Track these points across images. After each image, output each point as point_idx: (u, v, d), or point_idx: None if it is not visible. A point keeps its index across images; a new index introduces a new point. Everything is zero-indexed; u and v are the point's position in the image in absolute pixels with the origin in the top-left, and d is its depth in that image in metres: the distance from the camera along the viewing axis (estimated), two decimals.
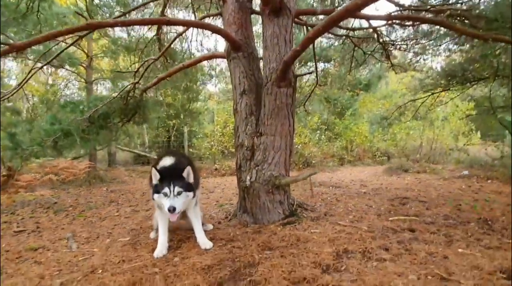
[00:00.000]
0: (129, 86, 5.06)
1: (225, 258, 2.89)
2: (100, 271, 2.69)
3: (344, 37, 6.12)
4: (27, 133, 5.10)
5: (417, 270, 2.50)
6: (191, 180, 2.82)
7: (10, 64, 15.27)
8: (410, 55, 7.70)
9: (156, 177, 2.72)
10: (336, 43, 8.36)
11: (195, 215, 3.18)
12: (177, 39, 6.92)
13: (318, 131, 13.53)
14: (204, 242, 3.11)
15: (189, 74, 7.09)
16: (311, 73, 5.34)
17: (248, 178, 3.81)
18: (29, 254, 3.21)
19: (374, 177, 9.23)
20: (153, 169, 2.70)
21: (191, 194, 2.82)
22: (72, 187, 8.27)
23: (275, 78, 3.63)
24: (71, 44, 4.09)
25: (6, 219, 4.86)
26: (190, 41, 6.22)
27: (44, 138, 5.12)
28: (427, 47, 7.42)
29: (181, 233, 3.64)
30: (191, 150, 12.97)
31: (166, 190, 2.66)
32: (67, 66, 8.93)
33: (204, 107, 13.86)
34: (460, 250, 2.95)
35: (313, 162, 12.15)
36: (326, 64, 11.69)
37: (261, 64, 4.21)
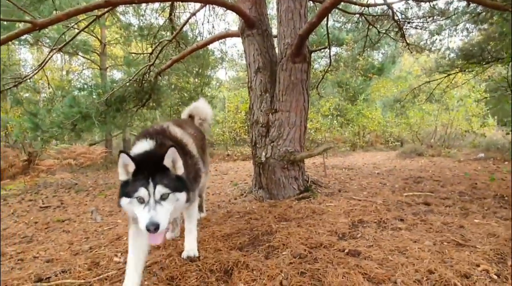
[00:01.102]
0: (144, 68, 5.13)
1: (243, 228, 2.99)
2: (125, 238, 2.82)
3: (358, 15, 6.02)
4: (46, 116, 5.28)
5: (433, 237, 2.54)
6: (181, 170, 1.71)
7: (26, 55, 15.62)
8: (425, 35, 7.53)
9: (127, 167, 1.63)
10: (349, 26, 8.22)
11: (190, 214, 2.33)
12: (189, 25, 6.95)
13: (330, 117, 13.43)
14: (192, 248, 2.28)
15: (201, 57, 7.13)
16: (325, 48, 5.30)
17: (264, 154, 3.87)
18: (56, 225, 3.39)
19: (387, 161, 9.18)
20: (121, 154, 1.61)
21: (183, 195, 1.69)
22: (90, 170, 8.54)
23: (290, 54, 3.64)
24: (91, 23, 4.17)
25: (31, 198, 5.10)
26: (202, 24, 6.23)
27: (63, 121, 5.29)
28: (444, 26, 7.23)
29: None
30: None
31: (141, 191, 1.55)
32: (81, 54, 9.08)
33: (217, 91, 13.92)
34: (476, 220, 2.96)
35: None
36: (338, 48, 11.52)
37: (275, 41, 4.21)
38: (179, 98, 9.05)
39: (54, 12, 6.04)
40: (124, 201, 1.62)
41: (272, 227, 2.96)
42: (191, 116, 3.33)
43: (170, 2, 5.60)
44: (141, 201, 1.56)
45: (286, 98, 3.77)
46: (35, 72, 4.00)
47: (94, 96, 5.50)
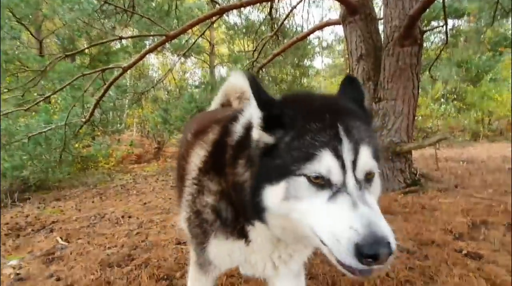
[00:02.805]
0: (248, 64, 5.57)
1: None
2: None
3: None
4: (173, 111, 6.33)
5: None
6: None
7: (153, 61, 18.76)
8: None
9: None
10: None
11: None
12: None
13: (443, 100, 11.65)
14: None
15: (301, 49, 7.24)
16: (442, 26, 4.66)
17: None
18: None
19: None
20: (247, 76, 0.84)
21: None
22: None
23: (397, 37, 3.39)
24: (207, 28, 4.79)
25: (163, 178, 6.27)
26: (302, 16, 6.28)
27: (185, 115, 6.26)
28: None
29: None
30: None
31: (327, 160, 0.75)
32: (194, 55, 10.44)
33: (314, 81, 13.78)
34: None
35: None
36: (456, 21, 9.87)
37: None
38: (277, 90, 9.44)
39: (175, 21, 7.10)
40: (268, 193, 0.80)
41: None
42: (224, 105, 1.91)
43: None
44: (323, 183, 0.75)
45: (391, 85, 3.56)
46: (166, 75, 4.88)
47: (206, 92, 6.27)
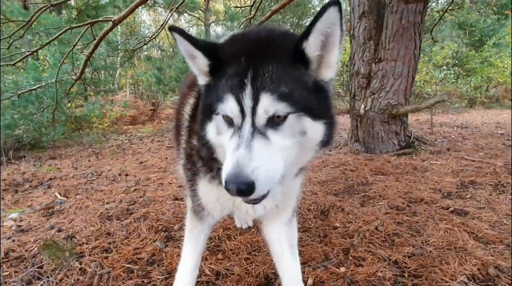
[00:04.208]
0: (246, 22, 5.31)
1: (338, 177, 3.12)
2: None
3: None
4: (167, 71, 6.14)
5: None
6: (333, 69, 0.97)
7: (144, 17, 17.81)
8: None
9: (196, 60, 0.94)
10: None
11: (292, 236, 1.33)
12: None
13: (444, 67, 11.42)
14: None
15: (301, 6, 6.88)
16: None
17: (363, 106, 3.75)
18: None
19: None
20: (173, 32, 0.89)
21: (318, 126, 0.87)
22: None
23: None
24: None
25: (159, 139, 6.26)
26: None
27: (179, 75, 6.09)
28: None
29: None
30: None
31: (229, 103, 0.84)
32: (188, 12, 9.90)
33: None
34: None
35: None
36: None
37: None
38: None
39: None
40: (208, 127, 0.93)
41: (367, 179, 2.99)
42: None
43: None
44: (231, 122, 0.85)
45: (393, 45, 3.45)
46: (158, 31, 4.65)
47: None
